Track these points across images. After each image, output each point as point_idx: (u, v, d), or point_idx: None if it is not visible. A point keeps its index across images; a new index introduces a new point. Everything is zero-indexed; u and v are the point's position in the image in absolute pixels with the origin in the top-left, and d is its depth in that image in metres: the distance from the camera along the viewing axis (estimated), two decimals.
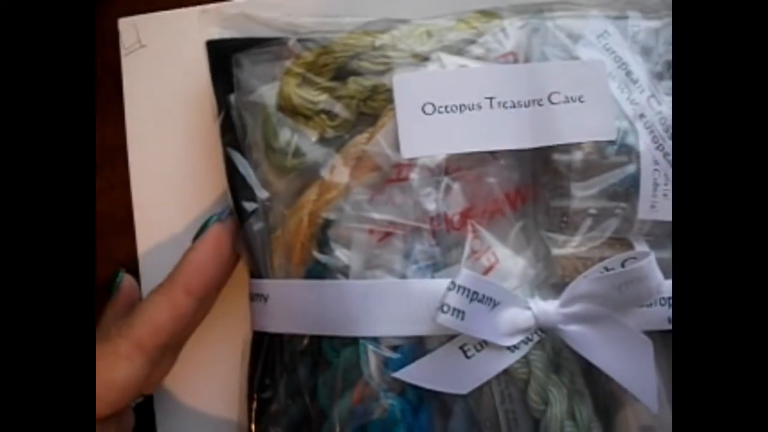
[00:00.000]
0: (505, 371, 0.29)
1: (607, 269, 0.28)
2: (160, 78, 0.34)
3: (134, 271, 0.35)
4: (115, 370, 0.29)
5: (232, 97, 0.30)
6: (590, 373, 0.30)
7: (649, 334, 0.29)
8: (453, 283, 0.27)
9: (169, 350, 0.31)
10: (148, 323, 0.29)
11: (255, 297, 0.30)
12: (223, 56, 0.30)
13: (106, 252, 0.35)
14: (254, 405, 0.31)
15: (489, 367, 0.28)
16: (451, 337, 0.28)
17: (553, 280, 0.29)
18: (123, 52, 0.35)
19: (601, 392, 0.30)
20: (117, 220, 0.36)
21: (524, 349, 0.28)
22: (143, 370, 0.29)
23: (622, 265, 0.28)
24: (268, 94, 0.29)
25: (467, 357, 0.28)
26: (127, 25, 0.35)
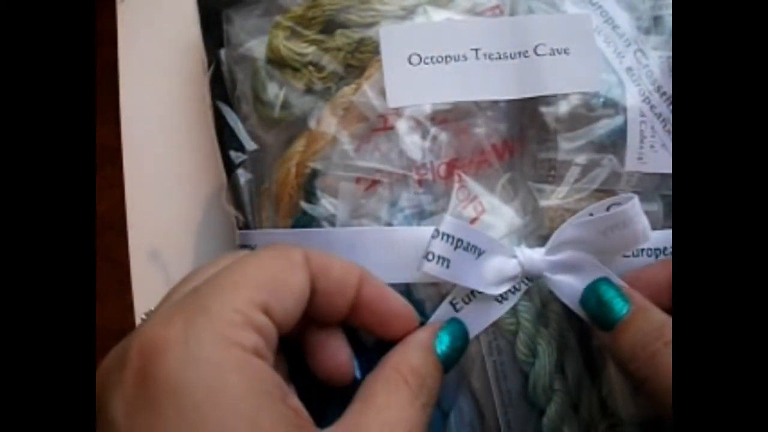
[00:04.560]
0: (494, 322, 0.29)
1: (592, 215, 0.28)
2: (152, 31, 0.35)
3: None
4: (293, 274, 0.24)
5: (222, 52, 0.31)
6: (579, 328, 0.30)
7: None
8: (437, 230, 0.27)
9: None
10: None
11: (242, 248, 0.30)
12: (214, 11, 0.31)
13: (104, 251, 0.35)
14: None
15: (478, 319, 0.28)
16: (436, 284, 0.28)
17: (540, 232, 0.29)
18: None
19: (590, 346, 0.30)
20: (116, 220, 0.36)
21: (512, 300, 0.28)
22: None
23: (607, 210, 0.28)
24: (257, 47, 0.30)
25: (456, 310, 0.28)
26: None
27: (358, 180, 0.29)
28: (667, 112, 0.29)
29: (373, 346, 0.28)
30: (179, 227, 0.35)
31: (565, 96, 0.29)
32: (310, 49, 0.29)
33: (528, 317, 0.29)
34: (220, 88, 0.31)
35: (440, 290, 0.28)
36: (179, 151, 0.36)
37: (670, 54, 0.30)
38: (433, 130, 0.29)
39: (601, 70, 0.29)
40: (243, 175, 0.30)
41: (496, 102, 0.29)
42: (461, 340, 0.27)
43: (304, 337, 0.26)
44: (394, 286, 0.28)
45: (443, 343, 0.26)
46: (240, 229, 0.31)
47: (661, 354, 0.24)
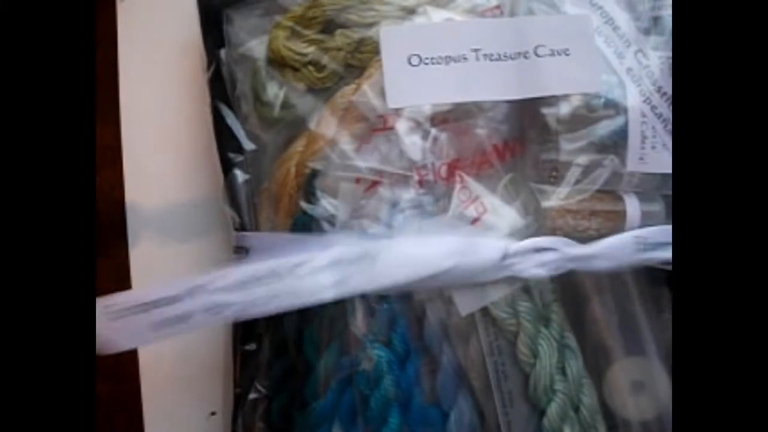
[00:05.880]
0: (494, 323, 0.29)
1: None
2: (152, 31, 0.35)
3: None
4: None
5: (222, 52, 0.31)
6: (580, 328, 0.30)
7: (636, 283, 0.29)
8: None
9: None
10: None
11: (237, 250, 0.30)
12: (214, 11, 0.31)
13: (104, 251, 0.35)
14: (239, 358, 0.31)
15: None
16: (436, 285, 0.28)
17: (543, 232, 0.29)
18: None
19: (591, 347, 0.30)
20: (116, 220, 0.36)
21: None
22: None
23: None
24: (257, 47, 0.30)
25: None
26: None
27: (358, 180, 0.29)
28: (667, 112, 0.29)
29: None
30: (179, 227, 0.35)
31: (566, 97, 0.29)
32: (310, 49, 0.29)
33: (529, 318, 0.29)
34: (220, 88, 0.31)
35: (440, 291, 0.28)
36: (179, 151, 0.35)
37: (670, 54, 0.30)
38: (433, 131, 0.29)
39: (601, 71, 0.29)
40: (240, 176, 0.30)
41: (496, 102, 0.29)
42: None
43: None
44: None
45: None
46: (236, 230, 0.31)
47: None
